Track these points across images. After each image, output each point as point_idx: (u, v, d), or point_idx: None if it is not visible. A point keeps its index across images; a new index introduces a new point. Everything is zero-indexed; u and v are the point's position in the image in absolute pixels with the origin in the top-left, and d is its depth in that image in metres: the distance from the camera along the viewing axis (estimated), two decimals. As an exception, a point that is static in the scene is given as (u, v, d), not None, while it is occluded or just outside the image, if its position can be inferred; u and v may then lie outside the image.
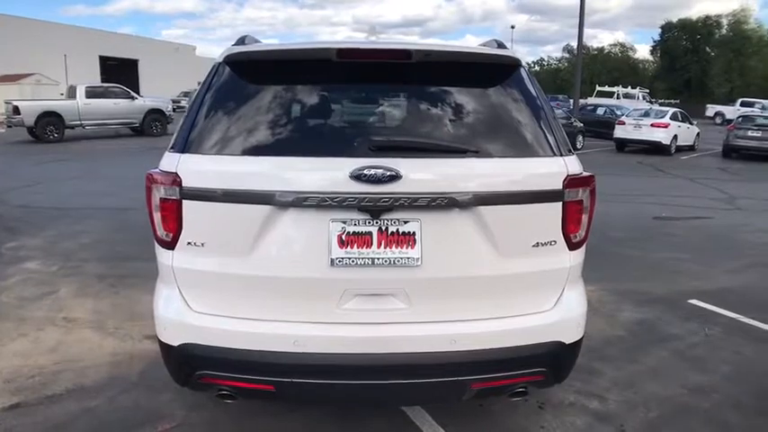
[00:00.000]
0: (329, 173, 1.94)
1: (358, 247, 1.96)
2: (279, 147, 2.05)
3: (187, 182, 1.98)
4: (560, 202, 2.09)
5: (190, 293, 2.07)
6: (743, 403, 2.98)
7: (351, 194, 1.91)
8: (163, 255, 2.10)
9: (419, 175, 1.95)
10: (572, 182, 2.09)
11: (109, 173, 10.66)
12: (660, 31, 59.46)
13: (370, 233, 1.96)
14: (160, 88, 33.58)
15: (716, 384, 3.18)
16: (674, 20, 58.70)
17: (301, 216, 1.96)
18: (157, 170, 2.11)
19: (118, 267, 4.94)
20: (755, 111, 24.79)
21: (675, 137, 17.12)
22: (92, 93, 17.26)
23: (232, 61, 2.17)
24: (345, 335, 1.99)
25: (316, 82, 2.19)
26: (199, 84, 2.42)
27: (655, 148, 16.71)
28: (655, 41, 61.52)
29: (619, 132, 17.55)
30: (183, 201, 2.00)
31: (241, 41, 2.45)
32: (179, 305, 2.08)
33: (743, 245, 6.53)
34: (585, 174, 2.16)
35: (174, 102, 22.69)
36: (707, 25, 55.69)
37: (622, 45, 71.03)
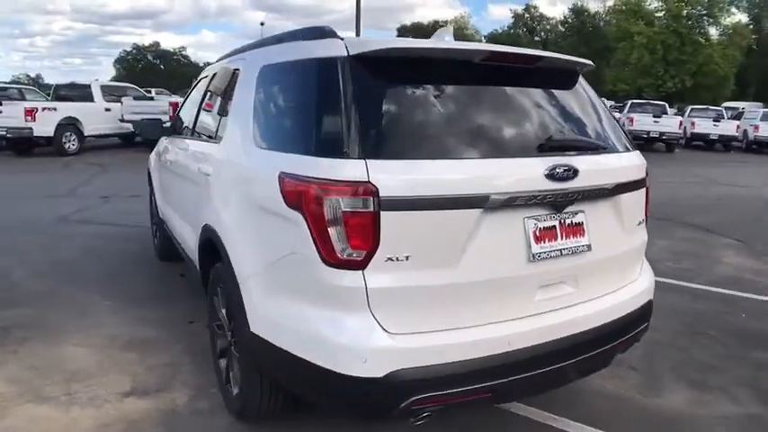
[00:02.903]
0: (530, 173, 2.02)
1: (549, 241, 2.08)
2: (475, 148, 2.04)
3: (386, 191, 1.79)
4: (645, 188, 2.56)
5: (386, 315, 1.86)
6: (683, 331, 3.87)
7: (549, 192, 2.04)
8: (342, 277, 1.83)
9: (588, 170, 2.16)
10: (647, 171, 2.59)
11: None
12: (397, 33, 66.84)
13: (554, 227, 2.11)
14: None
15: (658, 323, 4.00)
16: (408, 23, 66.77)
17: (501, 216, 1.99)
18: (323, 179, 1.82)
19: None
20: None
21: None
22: None
23: (365, 57, 1.99)
24: (543, 325, 2.09)
25: (466, 83, 2.18)
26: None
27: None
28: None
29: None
30: (382, 212, 1.78)
31: (332, 33, 2.20)
32: (374, 331, 1.85)
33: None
34: None
35: None
36: (436, 29, 64.46)
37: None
